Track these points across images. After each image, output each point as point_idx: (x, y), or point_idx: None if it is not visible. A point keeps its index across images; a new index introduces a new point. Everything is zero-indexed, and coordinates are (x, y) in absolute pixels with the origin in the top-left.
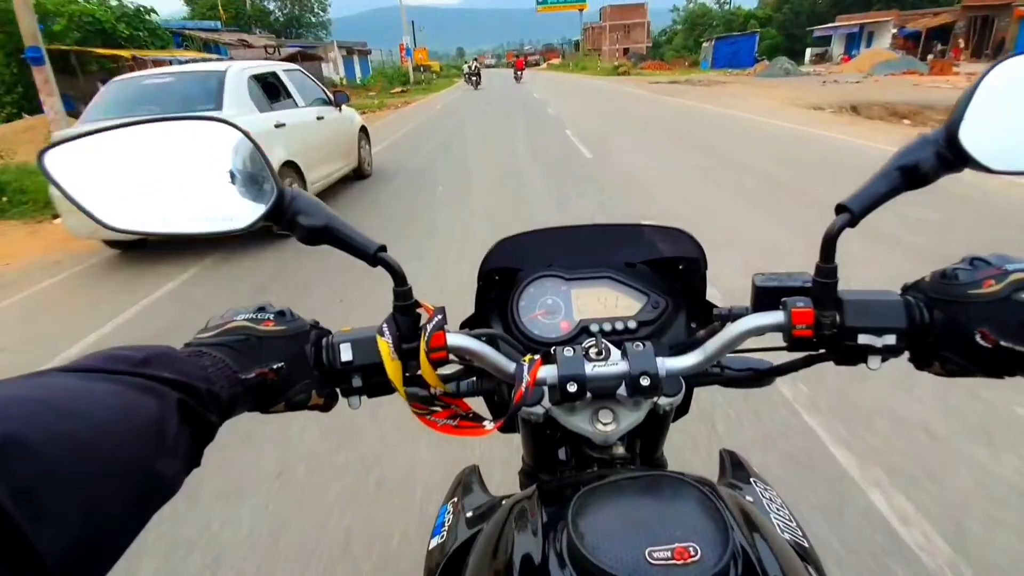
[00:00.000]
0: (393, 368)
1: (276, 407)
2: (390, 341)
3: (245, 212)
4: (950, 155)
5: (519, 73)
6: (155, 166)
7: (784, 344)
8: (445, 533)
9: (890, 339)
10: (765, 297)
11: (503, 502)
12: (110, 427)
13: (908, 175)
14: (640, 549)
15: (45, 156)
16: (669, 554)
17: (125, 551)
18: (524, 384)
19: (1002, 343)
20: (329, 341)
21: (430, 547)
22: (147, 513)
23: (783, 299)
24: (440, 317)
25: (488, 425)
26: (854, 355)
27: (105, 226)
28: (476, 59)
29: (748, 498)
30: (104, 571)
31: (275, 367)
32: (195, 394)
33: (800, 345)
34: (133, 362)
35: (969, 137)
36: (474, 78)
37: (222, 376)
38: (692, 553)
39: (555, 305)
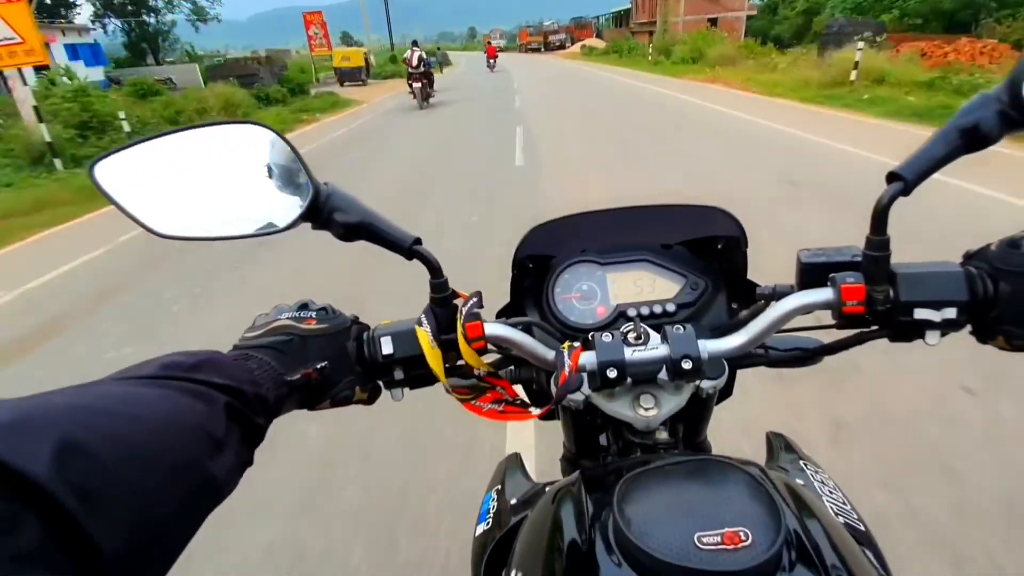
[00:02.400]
0: (434, 357)
1: (322, 405)
2: (429, 331)
3: (284, 212)
4: (1014, 113)
5: (492, 61)
6: (196, 172)
7: (833, 322)
8: (491, 520)
9: (950, 312)
10: (811, 274)
11: (547, 489)
12: (163, 431)
13: (968, 136)
14: (689, 534)
15: (95, 168)
16: (719, 539)
17: (181, 552)
18: (567, 369)
19: None
20: (370, 335)
21: (476, 534)
22: (201, 514)
23: (831, 275)
24: (475, 300)
25: (534, 410)
26: (910, 330)
27: (155, 234)
28: (415, 49)
29: (799, 481)
30: (163, 568)
31: (319, 367)
32: (242, 397)
33: (851, 322)
34: (183, 368)
35: None
36: (422, 82)
37: (268, 378)
38: (743, 538)
39: (591, 291)
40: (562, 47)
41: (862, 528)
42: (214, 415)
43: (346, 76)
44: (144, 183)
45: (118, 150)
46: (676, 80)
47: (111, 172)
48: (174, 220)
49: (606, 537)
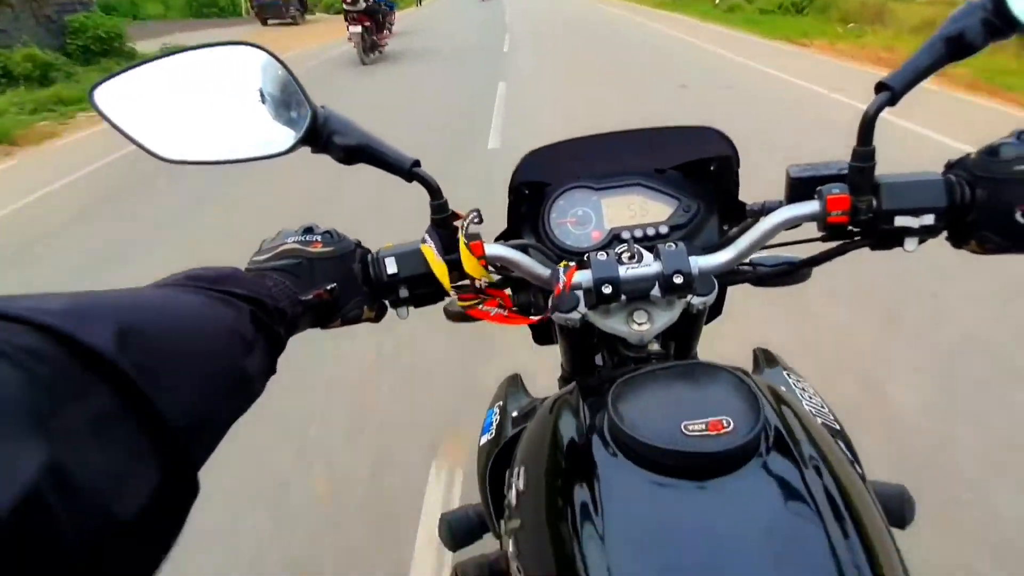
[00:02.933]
0: (440, 269)
1: (333, 323)
2: (433, 246)
3: (282, 135)
4: (998, 21)
5: None
6: (195, 96)
7: (819, 234)
8: (494, 431)
9: (928, 219)
10: (800, 188)
11: (545, 401)
12: (202, 328)
13: (953, 45)
14: (676, 423)
15: (95, 92)
16: (704, 426)
17: (222, 438)
18: (561, 283)
19: None
20: (374, 257)
21: (480, 443)
22: (239, 407)
23: (818, 188)
24: (474, 215)
25: (534, 316)
26: (890, 238)
27: (157, 157)
28: None
29: (781, 387)
30: (213, 445)
31: (329, 288)
32: (264, 308)
33: (835, 233)
34: (208, 279)
35: (1018, 1)
36: (363, 25)
37: (284, 295)
38: (725, 425)
39: (586, 215)
40: None
41: (836, 427)
42: (242, 321)
43: (267, 10)
44: (144, 107)
45: (117, 74)
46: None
47: (111, 96)
48: (176, 144)
49: (601, 431)
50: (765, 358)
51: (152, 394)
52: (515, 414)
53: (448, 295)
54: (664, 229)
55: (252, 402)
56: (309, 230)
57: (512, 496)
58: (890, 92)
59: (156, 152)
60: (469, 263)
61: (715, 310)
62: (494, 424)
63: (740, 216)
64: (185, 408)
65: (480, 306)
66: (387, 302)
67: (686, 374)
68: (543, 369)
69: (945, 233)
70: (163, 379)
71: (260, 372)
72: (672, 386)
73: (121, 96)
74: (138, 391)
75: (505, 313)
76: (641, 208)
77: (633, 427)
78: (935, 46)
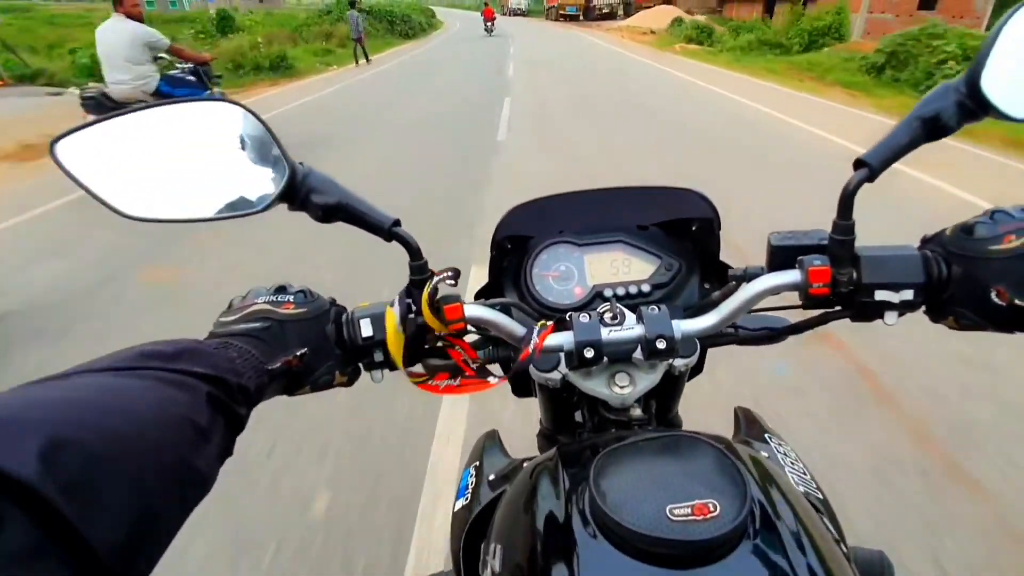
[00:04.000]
0: (396, 341)
1: (302, 390)
2: (398, 312)
3: (259, 193)
4: (971, 104)
5: (489, 25)
6: (166, 151)
7: (800, 303)
8: (469, 496)
9: (907, 294)
10: (781, 256)
11: (524, 464)
12: (148, 422)
13: (929, 126)
14: (661, 506)
15: (56, 146)
16: (689, 510)
17: (169, 545)
18: (532, 345)
19: (1016, 302)
20: (349, 317)
21: (455, 509)
22: (188, 507)
23: (799, 258)
24: (450, 274)
25: (493, 380)
26: (871, 311)
27: (123, 215)
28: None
29: (763, 453)
30: (152, 563)
31: (299, 354)
32: (224, 387)
33: (816, 303)
34: (163, 358)
35: (991, 85)
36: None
37: (249, 367)
38: (711, 509)
39: (568, 271)
40: (611, 16)
41: (820, 496)
42: (197, 405)
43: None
44: (111, 163)
45: (82, 128)
46: None
47: (74, 151)
48: (144, 201)
49: (582, 510)
50: (746, 419)
51: (81, 522)
52: (492, 477)
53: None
54: (646, 287)
55: (203, 496)
56: (282, 289)
57: None
58: (868, 169)
59: (120, 209)
60: (429, 318)
61: (696, 369)
62: (469, 487)
63: (721, 276)
64: (120, 529)
65: (430, 381)
66: (361, 365)
67: (669, 448)
68: None
69: (924, 307)
70: (95, 498)
71: (213, 461)
72: (655, 462)
73: (86, 150)
74: (64, 520)
75: (456, 383)
76: (624, 265)
77: (616, 509)
78: (912, 125)
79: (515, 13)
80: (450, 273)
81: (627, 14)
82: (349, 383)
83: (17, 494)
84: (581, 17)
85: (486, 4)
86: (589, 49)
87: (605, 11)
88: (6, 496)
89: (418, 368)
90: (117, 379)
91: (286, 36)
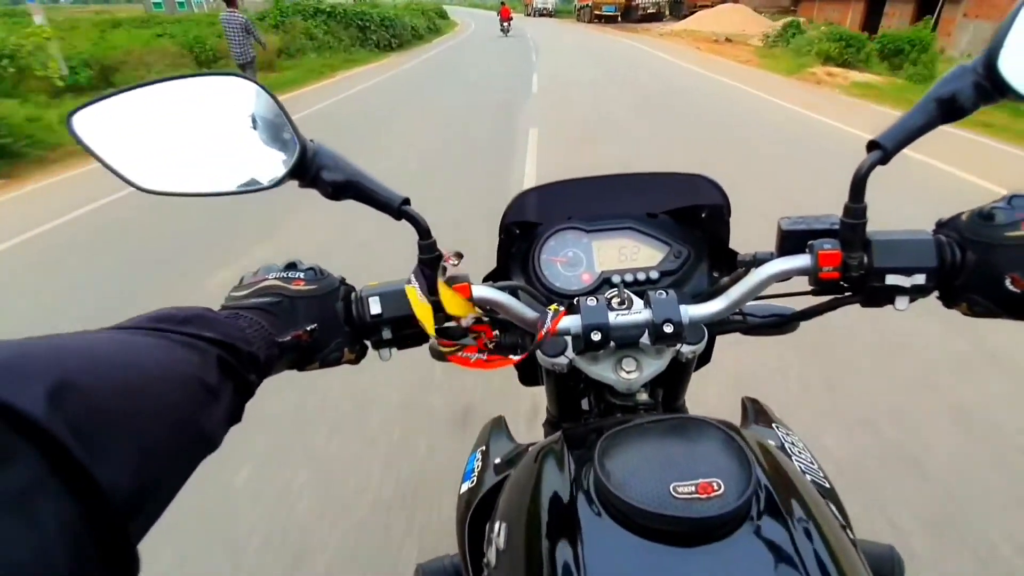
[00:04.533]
0: (424, 312)
1: (311, 366)
2: (418, 287)
3: (269, 169)
4: (988, 85)
5: (505, 25)
6: (179, 125)
7: (810, 288)
8: (475, 479)
9: (919, 279)
10: (791, 241)
11: (529, 449)
12: (157, 376)
13: (945, 107)
14: (665, 484)
15: (73, 119)
16: (693, 488)
17: (173, 498)
18: (547, 328)
19: None
20: (358, 296)
21: (461, 491)
22: (192, 463)
23: (810, 242)
24: (454, 257)
25: (514, 356)
26: (881, 296)
27: (137, 188)
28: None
29: (770, 441)
30: (157, 512)
31: (308, 329)
32: (235, 353)
33: (826, 288)
34: (175, 321)
35: (1009, 66)
36: None
37: (259, 337)
38: (716, 488)
39: (576, 257)
40: (656, 17)
41: (827, 485)
42: (207, 366)
43: None
44: (124, 136)
45: (97, 100)
46: None
47: (90, 123)
48: (156, 175)
49: (587, 489)
50: (754, 409)
51: (87, 460)
52: (497, 460)
53: (430, 338)
54: (655, 274)
55: (207, 455)
56: (292, 266)
57: (492, 554)
58: (882, 151)
59: (135, 182)
60: (451, 303)
61: (704, 357)
62: (475, 471)
63: (730, 263)
64: (127, 473)
65: (460, 352)
66: (368, 343)
67: (675, 429)
68: None
69: (936, 292)
70: (103, 441)
71: (221, 423)
72: (661, 442)
73: (102, 123)
74: (71, 457)
75: (484, 357)
76: (632, 252)
77: (620, 487)
78: (927, 107)
79: (540, 14)
80: (455, 259)
81: (677, 15)
82: (357, 360)
83: (25, 430)
84: (619, 18)
85: (503, 3)
86: (652, 71)
87: (650, 11)
88: (15, 431)
89: (447, 337)
90: (128, 335)
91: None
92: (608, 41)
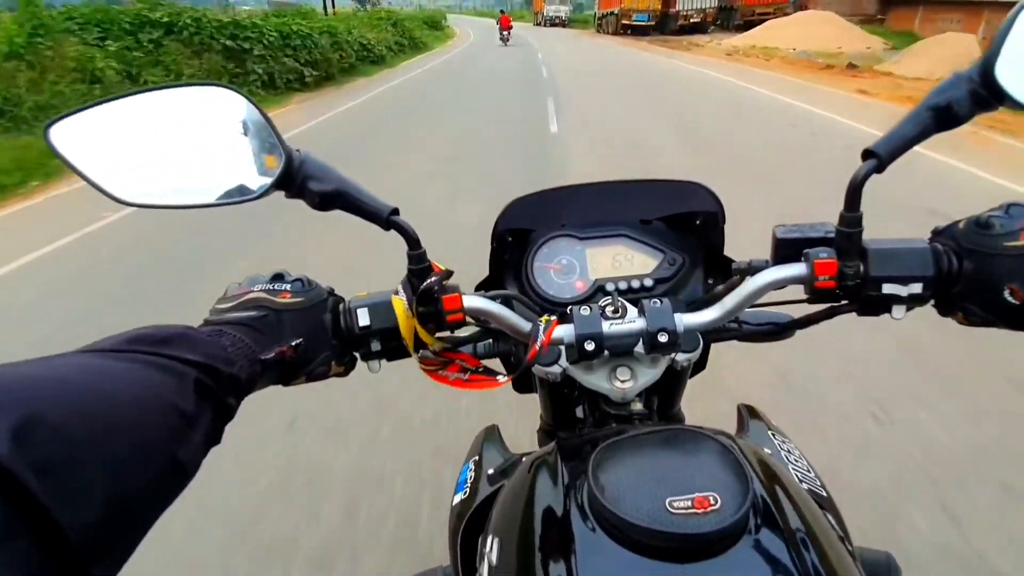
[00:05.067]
0: (408, 326)
1: (296, 381)
2: (405, 299)
3: (255, 180)
4: (985, 93)
5: (504, 34)
6: (162, 137)
7: (805, 296)
8: (468, 490)
9: (916, 288)
10: (786, 249)
11: (523, 459)
12: (131, 405)
13: (940, 115)
14: (660, 499)
15: (51, 130)
16: (689, 503)
17: (146, 533)
18: (539, 343)
19: None
20: (346, 307)
21: (454, 503)
22: (167, 497)
23: (805, 251)
24: (438, 278)
25: (501, 378)
26: (878, 305)
27: (116, 200)
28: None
29: (766, 450)
30: (127, 553)
31: (294, 344)
32: (215, 375)
33: (822, 297)
34: (153, 342)
35: (1006, 73)
36: None
37: (242, 356)
38: (712, 502)
39: (570, 265)
40: (701, 28)
41: (824, 494)
42: (184, 391)
43: None
44: (105, 147)
45: (76, 111)
46: None
47: (68, 135)
48: (138, 187)
49: (580, 503)
50: (750, 416)
51: (52, 502)
52: (491, 471)
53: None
54: (649, 282)
55: (183, 487)
56: (279, 277)
57: (484, 570)
58: (877, 160)
59: (115, 195)
60: (421, 332)
61: (699, 365)
62: (468, 481)
63: (725, 271)
64: (96, 514)
65: (441, 371)
66: (357, 355)
67: (670, 441)
68: None
69: (932, 301)
70: (71, 481)
71: (197, 451)
72: (656, 455)
73: (81, 134)
74: (34, 501)
75: (465, 378)
76: (626, 259)
77: (615, 501)
78: (921, 115)
79: (552, 22)
80: (435, 278)
81: (727, 24)
82: (345, 373)
83: None
84: (653, 29)
85: (502, 11)
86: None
87: (693, 19)
88: None
89: (429, 355)
90: (101, 360)
91: None
92: (653, 64)
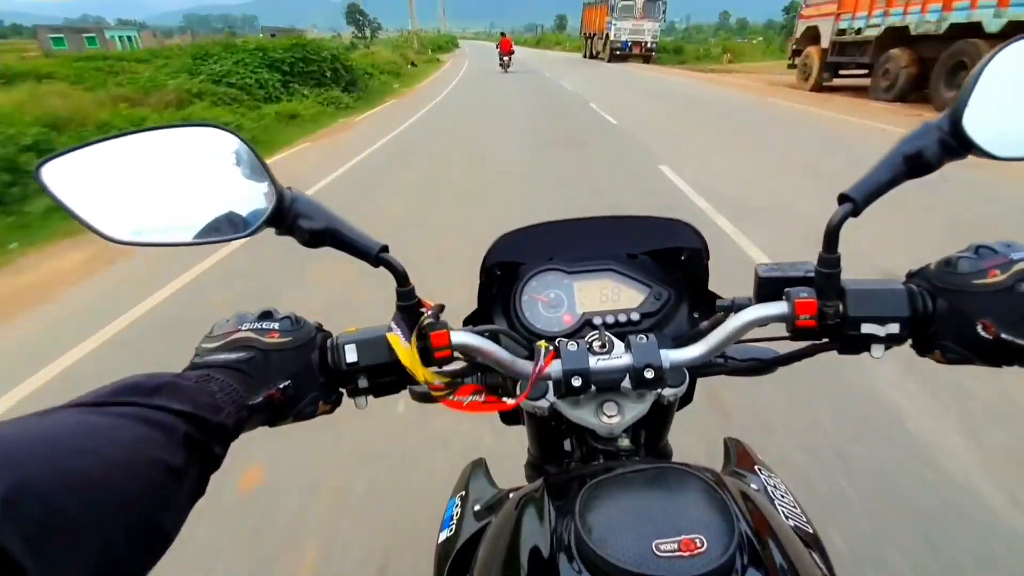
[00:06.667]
0: (410, 358)
1: (284, 421)
2: (400, 335)
3: (246, 217)
4: (954, 142)
5: (505, 59)
6: (153, 176)
7: (787, 334)
8: (454, 526)
9: (893, 328)
10: (768, 287)
11: (511, 495)
12: (120, 464)
13: (912, 163)
14: (647, 541)
15: (42, 170)
16: (676, 546)
17: None
18: (538, 368)
19: (1003, 335)
20: (334, 343)
21: (439, 540)
22: (151, 561)
23: (786, 289)
24: (432, 313)
25: (509, 400)
26: (857, 344)
27: (108, 239)
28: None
29: (753, 486)
30: None
31: (282, 386)
32: (203, 425)
33: (803, 335)
34: (142, 392)
35: (973, 123)
36: None
37: (229, 402)
38: (698, 545)
39: (558, 299)
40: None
41: (810, 531)
42: (173, 446)
43: None
44: (98, 187)
45: (68, 151)
46: None
47: (60, 174)
48: (130, 226)
49: (567, 545)
50: (736, 452)
51: (39, 571)
52: (477, 507)
53: (418, 383)
54: (635, 316)
55: (165, 551)
56: (267, 315)
57: None
58: (852, 204)
59: (106, 233)
60: (421, 371)
61: (685, 399)
62: (455, 518)
63: (710, 306)
64: None
65: (452, 396)
66: (344, 392)
67: (657, 480)
68: None
69: (910, 341)
70: (59, 551)
71: (183, 508)
72: (643, 494)
73: (73, 174)
74: (20, 569)
75: (482, 399)
76: (613, 293)
77: (601, 543)
78: (894, 163)
79: (619, 53)
80: (430, 313)
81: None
82: (331, 411)
83: None
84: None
85: (503, 35)
86: None
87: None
88: None
89: (438, 381)
90: (90, 417)
91: None
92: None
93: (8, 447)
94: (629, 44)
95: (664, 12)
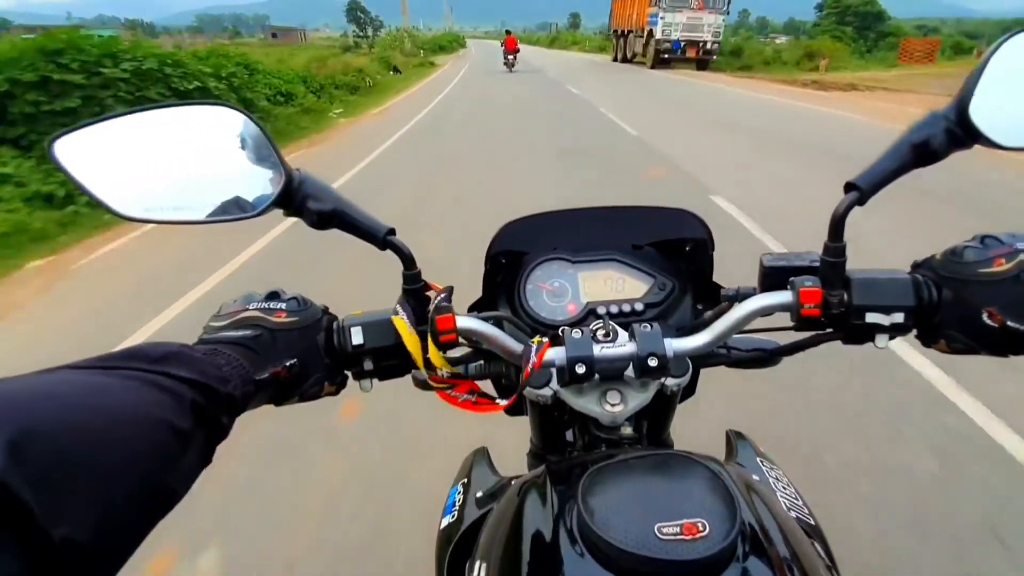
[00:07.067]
0: (413, 344)
1: (289, 401)
2: (406, 318)
3: (255, 197)
4: (960, 131)
5: (510, 58)
6: (164, 153)
7: (791, 324)
8: (456, 513)
9: (898, 317)
10: (773, 277)
11: (512, 482)
12: (125, 423)
13: (918, 152)
14: (649, 525)
15: (55, 144)
16: (678, 529)
17: (136, 548)
18: (531, 364)
19: (1009, 323)
20: (340, 325)
21: (441, 527)
22: (152, 520)
23: (791, 279)
24: (444, 295)
25: (501, 402)
26: (862, 333)
27: (117, 215)
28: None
29: (755, 477)
30: (113, 570)
31: (288, 364)
32: (210, 394)
33: (808, 324)
34: (150, 359)
35: (979, 113)
36: None
37: (236, 376)
38: (700, 528)
39: (562, 288)
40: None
41: (812, 522)
42: (179, 410)
43: None
44: (108, 162)
45: (81, 126)
46: None
47: (73, 149)
48: (140, 202)
49: (569, 528)
50: (739, 443)
51: (45, 516)
52: (479, 495)
53: (417, 368)
54: (639, 306)
55: (170, 510)
56: (274, 295)
57: None
58: (859, 192)
59: (115, 208)
60: (434, 355)
61: (688, 390)
62: (456, 504)
63: (714, 296)
64: (85, 530)
65: (450, 390)
66: (349, 374)
67: (660, 466)
68: None
69: (915, 331)
70: (63, 495)
71: (192, 470)
72: (645, 480)
73: (84, 149)
74: (27, 514)
75: (473, 400)
76: (617, 283)
77: (603, 526)
78: (902, 151)
79: (667, 56)
80: (443, 296)
81: None
82: (336, 392)
83: None
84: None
85: (508, 32)
86: None
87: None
88: None
89: (439, 372)
90: (97, 376)
91: None
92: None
93: (15, 397)
94: (682, 44)
95: (730, 1)
